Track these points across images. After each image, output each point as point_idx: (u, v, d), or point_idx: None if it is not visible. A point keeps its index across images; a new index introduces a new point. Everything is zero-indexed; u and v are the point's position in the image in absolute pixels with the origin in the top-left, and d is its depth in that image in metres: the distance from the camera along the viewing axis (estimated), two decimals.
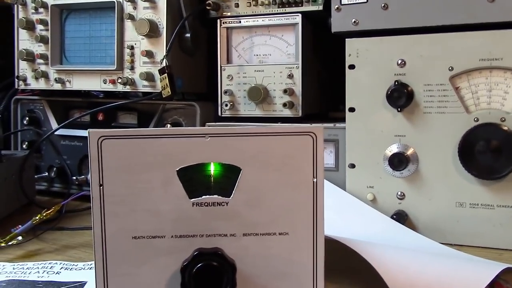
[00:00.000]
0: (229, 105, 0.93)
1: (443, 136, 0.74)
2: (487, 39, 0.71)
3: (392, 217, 0.75)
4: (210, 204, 0.49)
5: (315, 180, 0.48)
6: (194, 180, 0.48)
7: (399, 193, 0.77)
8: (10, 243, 0.72)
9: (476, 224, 0.73)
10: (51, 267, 0.65)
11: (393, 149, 0.77)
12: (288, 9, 0.91)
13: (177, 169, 0.48)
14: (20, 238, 0.73)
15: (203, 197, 0.49)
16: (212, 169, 0.49)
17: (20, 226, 0.73)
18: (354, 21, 0.80)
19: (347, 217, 0.76)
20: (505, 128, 0.70)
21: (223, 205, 0.49)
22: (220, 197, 0.49)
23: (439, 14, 0.74)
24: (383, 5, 0.77)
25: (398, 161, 0.76)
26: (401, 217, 0.75)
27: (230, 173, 0.49)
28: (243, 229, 0.49)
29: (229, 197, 0.49)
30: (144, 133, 0.48)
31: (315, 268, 0.49)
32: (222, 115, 0.94)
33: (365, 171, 0.80)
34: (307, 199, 0.49)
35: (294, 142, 0.48)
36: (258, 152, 0.48)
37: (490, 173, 0.71)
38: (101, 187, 0.48)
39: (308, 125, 0.50)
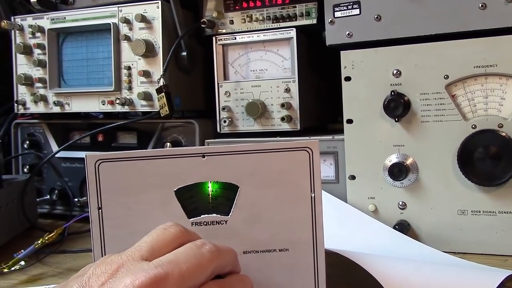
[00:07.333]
0: (227, 121, 0.93)
1: (441, 144, 0.74)
2: (481, 46, 0.71)
3: (394, 228, 0.75)
4: (209, 223, 0.49)
5: (313, 195, 0.48)
6: (192, 199, 0.49)
7: (400, 203, 0.77)
8: (13, 268, 0.72)
9: (479, 231, 0.73)
10: None
11: (393, 159, 0.77)
12: (282, 24, 0.91)
13: (175, 189, 0.48)
14: (23, 263, 0.73)
15: (202, 216, 0.49)
16: (210, 188, 0.49)
17: (22, 251, 0.73)
18: (348, 34, 0.80)
19: (349, 229, 0.76)
20: (503, 134, 0.70)
21: (222, 224, 0.49)
22: (219, 215, 0.49)
23: (432, 23, 0.75)
24: (376, 16, 0.78)
25: (398, 171, 0.76)
26: (403, 227, 0.75)
27: (228, 191, 0.49)
28: (243, 247, 0.49)
29: (228, 215, 0.49)
30: (141, 154, 0.48)
31: (317, 283, 0.49)
32: (221, 132, 0.95)
33: (365, 182, 0.79)
34: (305, 214, 0.49)
35: (290, 158, 0.48)
36: (255, 169, 0.48)
37: (490, 179, 0.70)
38: (100, 210, 0.48)
39: (304, 139, 0.50)
